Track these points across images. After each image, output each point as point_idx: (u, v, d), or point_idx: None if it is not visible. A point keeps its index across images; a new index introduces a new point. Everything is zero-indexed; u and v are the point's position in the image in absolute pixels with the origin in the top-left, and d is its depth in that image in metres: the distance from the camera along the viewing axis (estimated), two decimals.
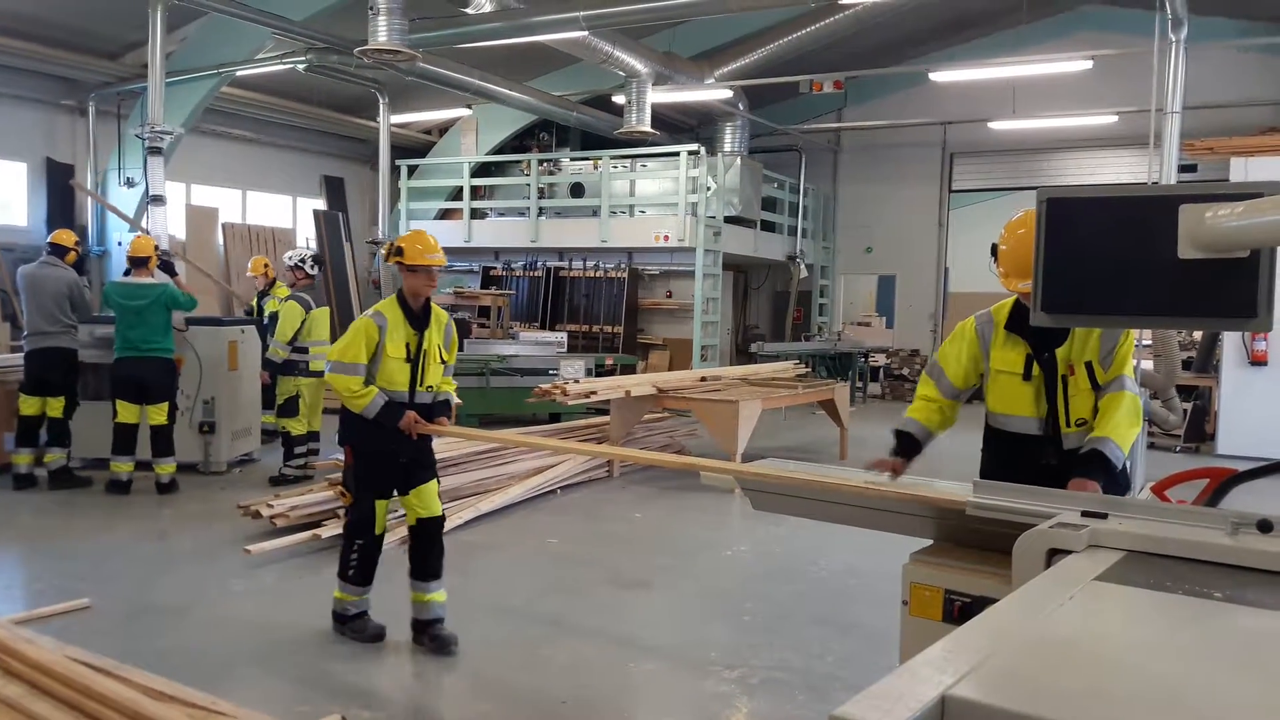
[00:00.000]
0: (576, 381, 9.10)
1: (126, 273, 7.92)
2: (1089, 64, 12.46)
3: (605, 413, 9.53)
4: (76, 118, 13.51)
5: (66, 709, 3.09)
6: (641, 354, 15.32)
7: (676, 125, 17.65)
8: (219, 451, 8.54)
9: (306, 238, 16.64)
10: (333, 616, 4.69)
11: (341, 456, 6.88)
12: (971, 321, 3.54)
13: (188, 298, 7.96)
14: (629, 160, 15.33)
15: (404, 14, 9.52)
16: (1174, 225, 2.24)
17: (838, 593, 5.63)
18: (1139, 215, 2.45)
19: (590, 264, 15.74)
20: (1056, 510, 2.37)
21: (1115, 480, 3.14)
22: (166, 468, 7.73)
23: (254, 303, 10.57)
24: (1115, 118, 14.52)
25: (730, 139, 16.18)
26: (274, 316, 8.71)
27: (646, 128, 12.93)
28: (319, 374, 8.44)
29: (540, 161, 16.08)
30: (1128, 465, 3.35)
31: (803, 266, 17.47)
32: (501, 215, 16.91)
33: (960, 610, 2.64)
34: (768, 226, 16.63)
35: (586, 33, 10.81)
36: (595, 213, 15.12)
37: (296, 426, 8.25)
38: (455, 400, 4.80)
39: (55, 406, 7.78)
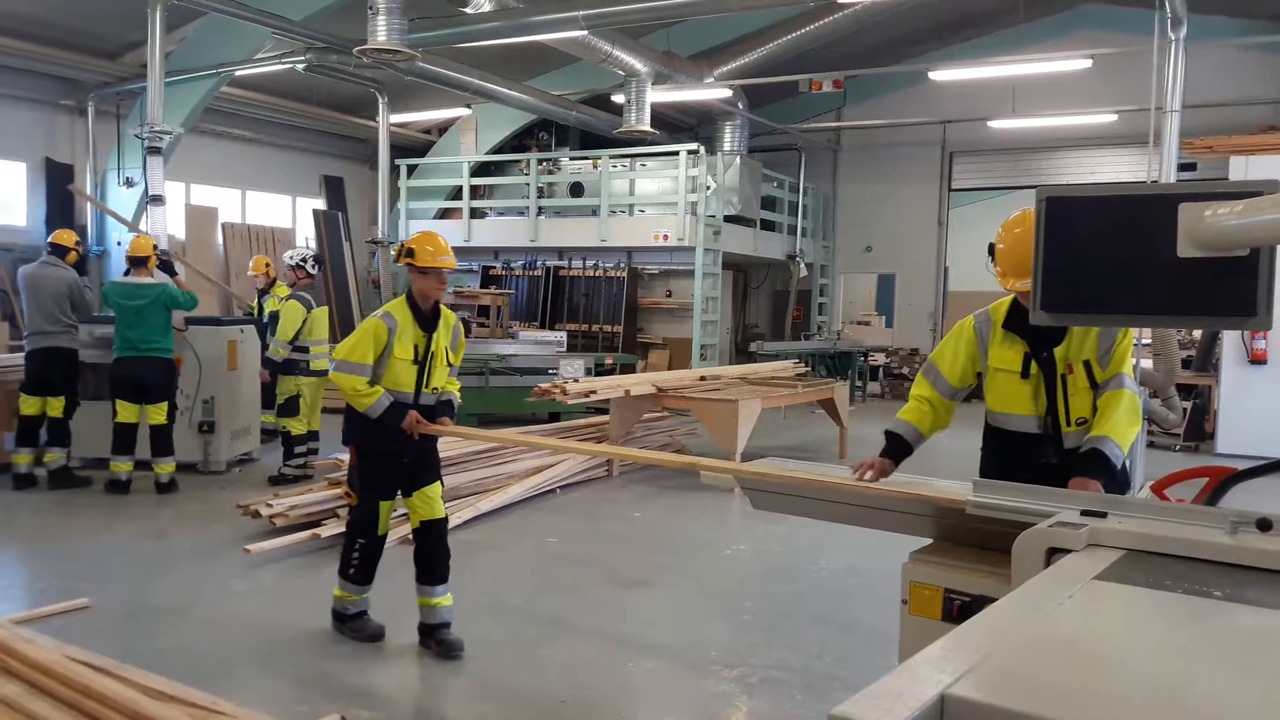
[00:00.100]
0: (576, 381, 9.09)
1: (126, 272, 7.92)
2: (1088, 63, 12.47)
3: (605, 412, 9.53)
4: (76, 117, 13.50)
5: (66, 708, 3.08)
6: (641, 353, 15.32)
7: (676, 124, 17.65)
8: (218, 451, 8.54)
9: (306, 237, 16.64)
10: (332, 615, 4.69)
11: (341, 456, 6.94)
12: (970, 320, 3.54)
13: (187, 297, 7.95)
14: (628, 159, 15.33)
15: (403, 13, 9.52)
16: (1173, 224, 2.24)
17: (837, 592, 5.63)
18: (1138, 214, 2.45)
19: (590, 263, 15.74)
20: (1056, 509, 2.37)
21: (1115, 479, 3.14)
22: (166, 467, 7.73)
23: (254, 302, 10.57)
24: (1115, 116, 14.53)
25: (730, 138, 16.18)
26: (274, 315, 8.71)
27: (646, 127, 12.93)
28: (319, 373, 8.44)
29: (540, 161, 16.08)
30: (1127, 464, 3.35)
31: (802, 265, 17.48)
32: (501, 215, 16.92)
33: (959, 609, 2.64)
34: (767, 226, 16.63)
35: (585, 32, 10.80)
36: (595, 212, 15.12)
37: (297, 426, 8.25)
38: (457, 400, 4.78)
39: (55, 406, 7.78)
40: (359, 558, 4.60)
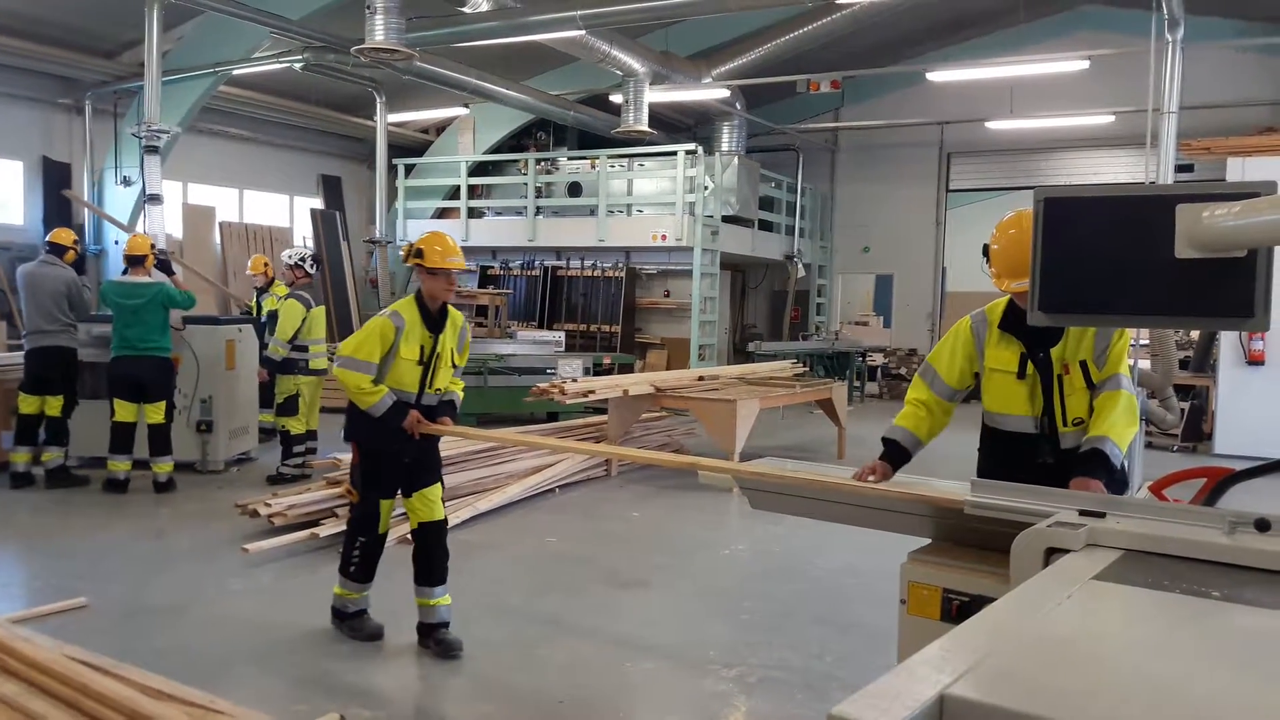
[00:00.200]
0: (574, 381, 9.09)
1: (125, 272, 7.91)
2: (1086, 64, 12.49)
3: (603, 412, 9.53)
4: (73, 116, 13.49)
5: (64, 707, 3.08)
6: (639, 353, 15.32)
7: (674, 125, 17.66)
8: (216, 450, 8.53)
9: (304, 237, 16.63)
10: (332, 612, 4.69)
11: (339, 456, 6.94)
12: (966, 321, 3.54)
13: (184, 296, 7.95)
14: (626, 159, 15.33)
15: (401, 13, 9.52)
16: (1171, 225, 2.24)
17: (836, 592, 5.63)
18: (1136, 215, 2.45)
19: (588, 263, 15.74)
20: (1054, 509, 2.38)
21: (1115, 479, 3.15)
22: (164, 466, 7.73)
23: (252, 301, 10.56)
24: (1112, 118, 14.55)
25: (727, 138, 16.18)
26: (272, 315, 8.70)
27: (644, 127, 12.93)
28: (318, 372, 8.44)
29: (538, 161, 16.08)
30: (1125, 464, 3.35)
31: (800, 266, 17.49)
32: (499, 214, 16.92)
33: (958, 609, 2.65)
34: (765, 226, 16.64)
35: (583, 32, 10.80)
36: (593, 212, 15.12)
37: (296, 425, 8.25)
38: (459, 399, 4.77)
39: (54, 405, 7.77)
40: (359, 555, 4.60)
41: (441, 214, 16.93)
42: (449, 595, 4.56)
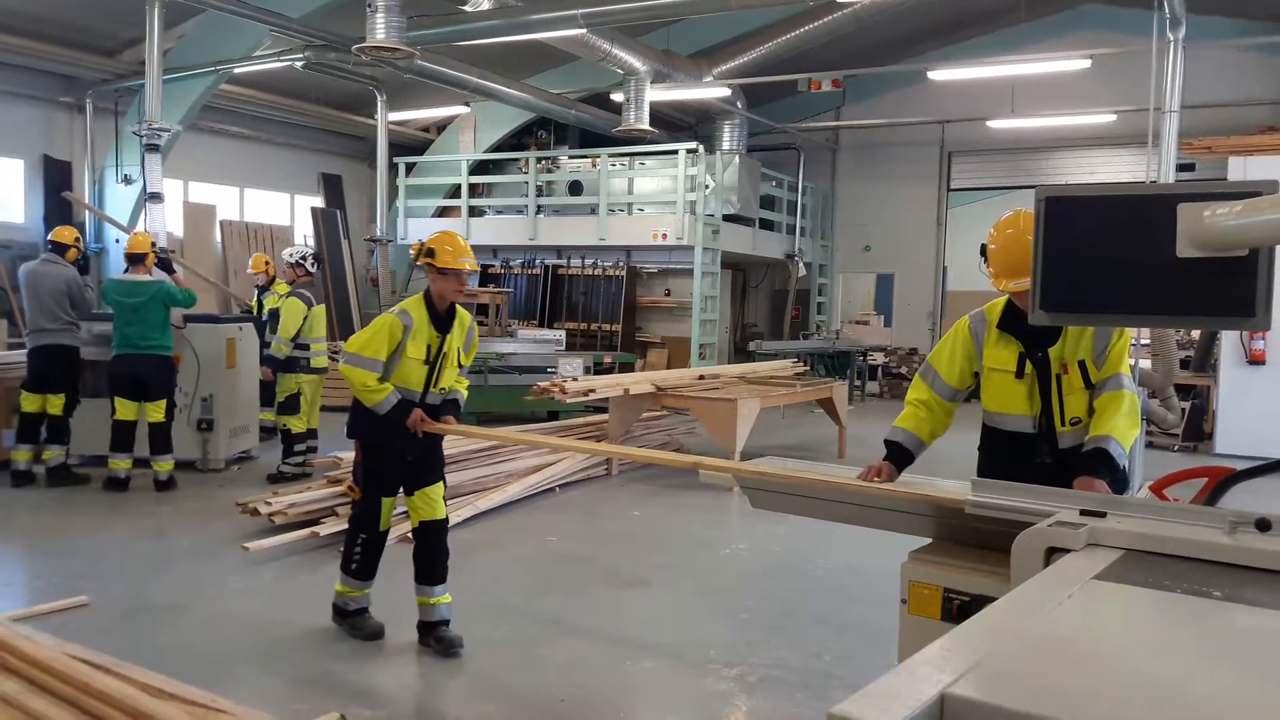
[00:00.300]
0: (575, 379, 9.10)
1: (126, 270, 7.92)
2: (1087, 63, 12.48)
3: (604, 411, 9.53)
4: (74, 115, 13.49)
5: (65, 705, 3.08)
6: (640, 352, 15.32)
7: (675, 123, 17.65)
8: (217, 449, 8.53)
9: (304, 235, 16.64)
10: (333, 610, 4.69)
11: (340, 454, 6.94)
12: (965, 320, 3.54)
13: (185, 294, 7.95)
14: (627, 158, 15.32)
15: (402, 11, 9.52)
16: (1172, 224, 2.24)
17: (836, 591, 5.63)
18: (1137, 214, 2.45)
19: (589, 262, 15.74)
20: (1055, 509, 2.38)
21: (1118, 479, 3.14)
22: (165, 465, 7.73)
23: (253, 300, 10.56)
24: (1114, 117, 14.54)
25: (728, 137, 16.17)
26: (274, 313, 8.70)
27: (645, 126, 12.92)
28: (320, 371, 8.44)
29: (538, 159, 16.08)
30: (1126, 464, 3.35)
31: (801, 265, 17.48)
32: (500, 213, 16.91)
33: (959, 609, 2.65)
34: (766, 225, 16.64)
35: (585, 30, 10.80)
36: (594, 211, 15.11)
37: (297, 424, 8.25)
38: (463, 399, 4.77)
39: (55, 404, 7.78)
40: (360, 553, 4.59)
41: (442, 212, 16.93)
42: (449, 594, 4.56)
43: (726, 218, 14.98)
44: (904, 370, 17.13)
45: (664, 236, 14.28)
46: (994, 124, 15.55)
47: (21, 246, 12.76)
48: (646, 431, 9.92)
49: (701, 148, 14.47)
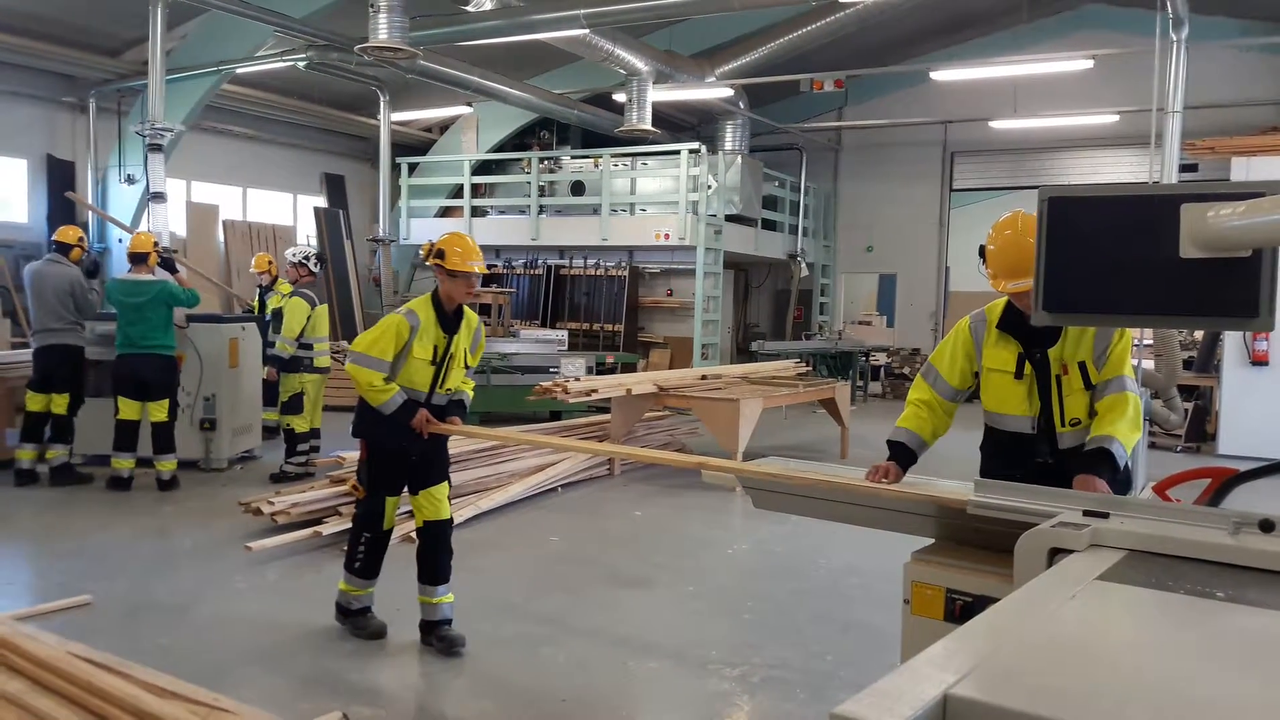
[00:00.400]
0: (577, 380, 9.10)
1: (130, 270, 7.93)
2: (1090, 63, 12.47)
3: (606, 411, 9.53)
4: (77, 114, 13.51)
5: (69, 705, 3.09)
6: (642, 352, 15.33)
7: (677, 124, 17.65)
8: (220, 448, 8.54)
9: (307, 235, 16.66)
10: (336, 608, 4.69)
11: (342, 454, 6.95)
12: (966, 321, 3.55)
13: (188, 294, 7.95)
14: (630, 158, 15.33)
15: (404, 11, 9.53)
16: (1175, 225, 2.24)
17: (839, 591, 5.63)
18: (1140, 215, 2.45)
19: (591, 262, 15.74)
20: (1058, 509, 2.38)
21: (1117, 479, 3.14)
22: (167, 464, 7.74)
23: (255, 300, 10.57)
24: (1116, 117, 14.53)
25: (731, 137, 16.18)
26: (277, 313, 8.71)
27: (647, 126, 12.93)
28: (323, 370, 8.45)
29: (541, 159, 16.08)
30: (1129, 465, 3.35)
31: (803, 265, 17.48)
32: (502, 213, 16.92)
33: (961, 609, 2.65)
34: (768, 225, 16.64)
35: (587, 30, 10.81)
36: (596, 211, 15.12)
37: (300, 424, 8.26)
38: (469, 399, 4.77)
39: (59, 403, 7.79)
40: (364, 552, 4.60)
41: (445, 213, 16.95)
42: (451, 594, 4.56)
43: (729, 218, 14.98)
44: (906, 371, 17.13)
45: (666, 237, 14.28)
46: (996, 124, 15.55)
47: (24, 246, 12.79)
48: (649, 432, 9.92)
49: (704, 148, 14.47)
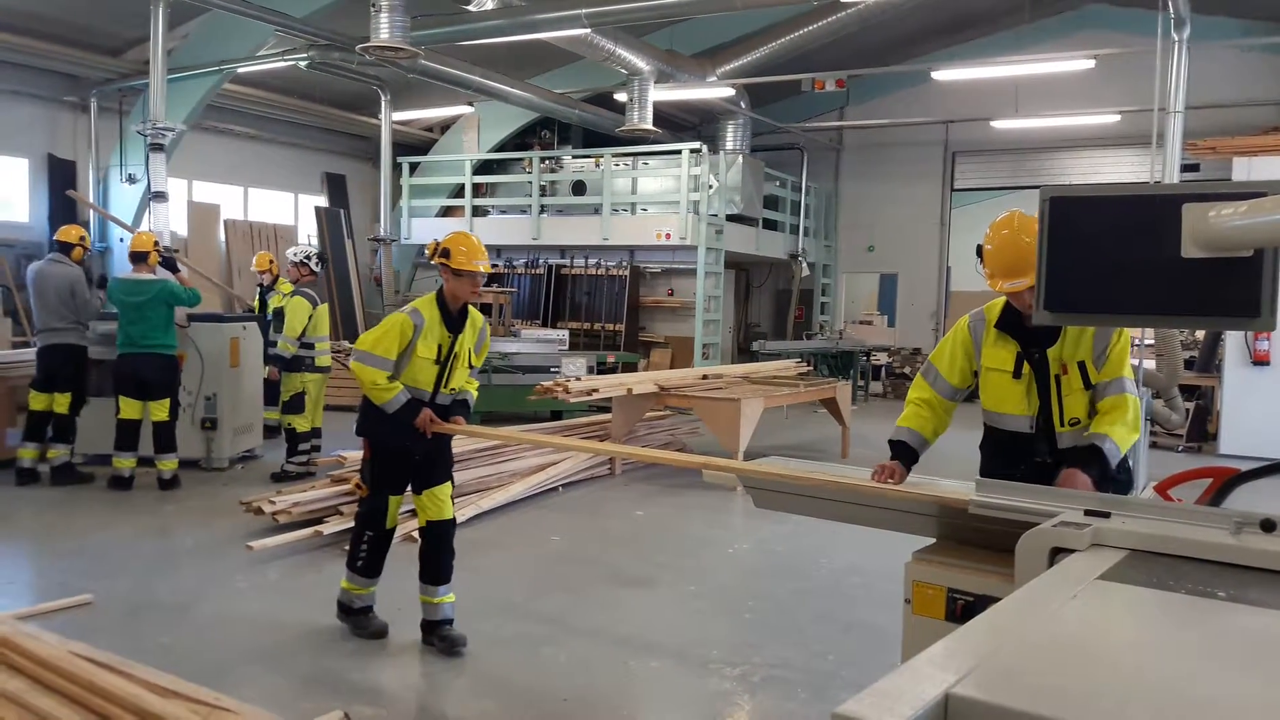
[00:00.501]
0: (578, 379, 9.10)
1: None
2: (1091, 63, 12.47)
3: (607, 411, 9.53)
4: (79, 114, 13.52)
5: (70, 704, 3.09)
6: (643, 352, 15.33)
7: (678, 123, 17.65)
8: (221, 448, 8.55)
9: (308, 234, 16.66)
10: (338, 606, 4.69)
11: (343, 453, 6.95)
12: (965, 320, 3.55)
13: (189, 293, 7.95)
14: (631, 158, 15.33)
15: (406, 11, 9.53)
16: (1177, 224, 2.24)
17: (840, 591, 5.63)
18: (1142, 214, 2.45)
19: (592, 262, 15.74)
20: (1060, 509, 2.38)
21: (1108, 479, 3.14)
22: (168, 464, 7.74)
23: (255, 300, 10.57)
24: (1118, 117, 14.52)
25: (732, 137, 16.18)
26: (278, 312, 8.71)
27: (648, 126, 12.93)
28: (324, 369, 8.45)
29: (542, 159, 16.09)
30: (1130, 464, 3.35)
31: (804, 265, 17.48)
32: (503, 213, 16.92)
33: (963, 609, 2.65)
34: (769, 225, 16.63)
35: (588, 30, 10.80)
36: (597, 210, 15.12)
37: (302, 423, 8.26)
38: (473, 399, 4.77)
39: (61, 402, 7.79)
40: (367, 550, 4.59)
41: (446, 212, 16.95)
42: (453, 594, 4.56)
43: (730, 218, 14.97)
44: (907, 370, 17.13)
45: (667, 236, 14.28)
46: (998, 124, 15.54)
47: (26, 246, 12.80)
48: (650, 431, 9.92)
49: (705, 148, 14.46)
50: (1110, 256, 2.48)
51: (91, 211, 13.17)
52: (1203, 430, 11.59)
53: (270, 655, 4.42)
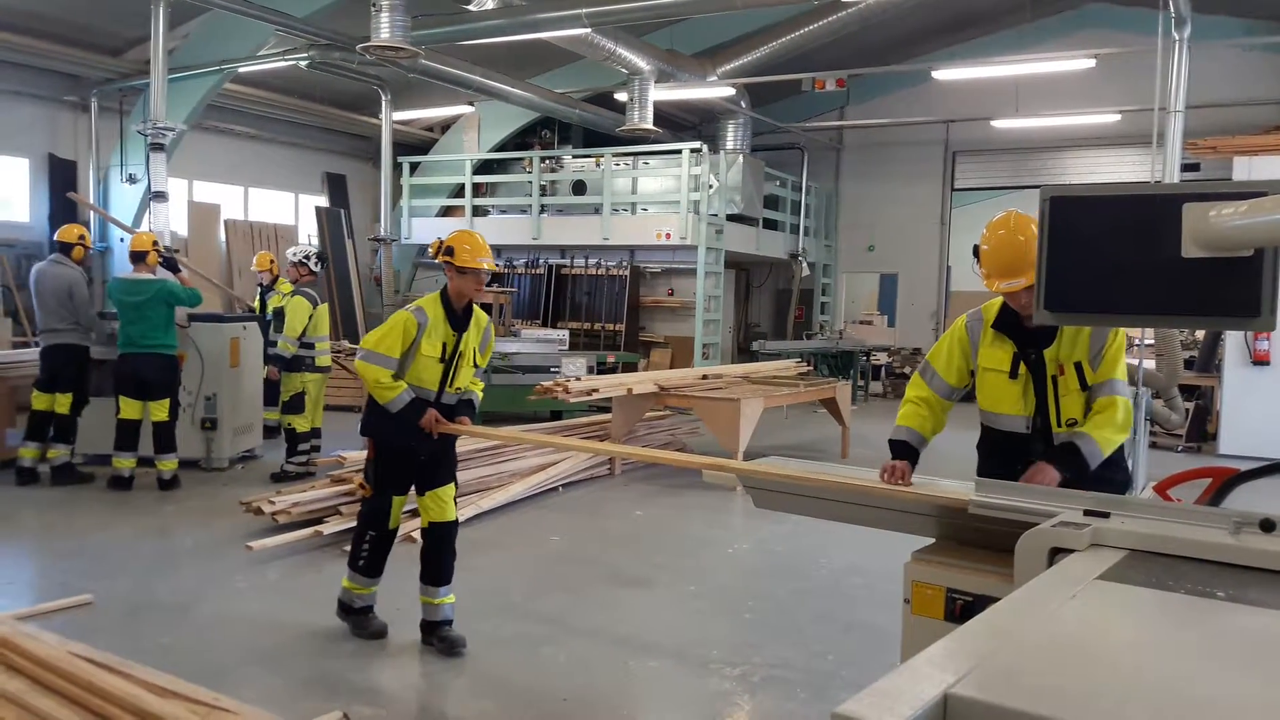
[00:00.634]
0: (578, 379, 9.10)
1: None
2: (1092, 62, 12.45)
3: (607, 411, 9.53)
4: (79, 114, 13.52)
5: (69, 704, 3.09)
6: (643, 352, 15.33)
7: (678, 123, 17.65)
8: (221, 448, 8.54)
9: (308, 234, 16.66)
10: (338, 604, 4.69)
11: (343, 454, 6.95)
12: (962, 319, 3.56)
13: (189, 293, 7.94)
14: (631, 158, 15.32)
15: (406, 11, 9.53)
16: (1177, 224, 2.24)
17: (839, 591, 5.63)
18: (1142, 214, 2.45)
19: (592, 261, 15.75)
20: (1059, 509, 2.38)
21: (1084, 477, 3.12)
22: (168, 464, 7.74)
23: (255, 300, 10.57)
24: (1118, 116, 14.52)
25: (732, 137, 16.17)
26: (278, 312, 8.71)
27: (649, 125, 12.93)
28: (325, 369, 8.44)
29: (542, 159, 16.08)
30: (1129, 464, 3.35)
31: (805, 265, 17.47)
32: (504, 213, 16.92)
33: (962, 609, 2.65)
34: (770, 224, 16.63)
35: (589, 30, 10.80)
36: (597, 210, 15.12)
37: (302, 423, 8.26)
38: (478, 400, 4.77)
39: (63, 403, 7.80)
40: (369, 550, 4.59)
41: (446, 212, 16.95)
42: (453, 595, 4.56)
43: (730, 217, 14.97)
44: (907, 370, 17.10)
45: (667, 236, 14.27)
46: (998, 124, 15.53)
47: (26, 246, 12.81)
48: (650, 431, 9.92)
49: (705, 147, 14.46)
50: (1110, 256, 2.47)
51: (92, 212, 13.18)
52: (1202, 430, 11.58)
53: (270, 655, 4.42)
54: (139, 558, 5.97)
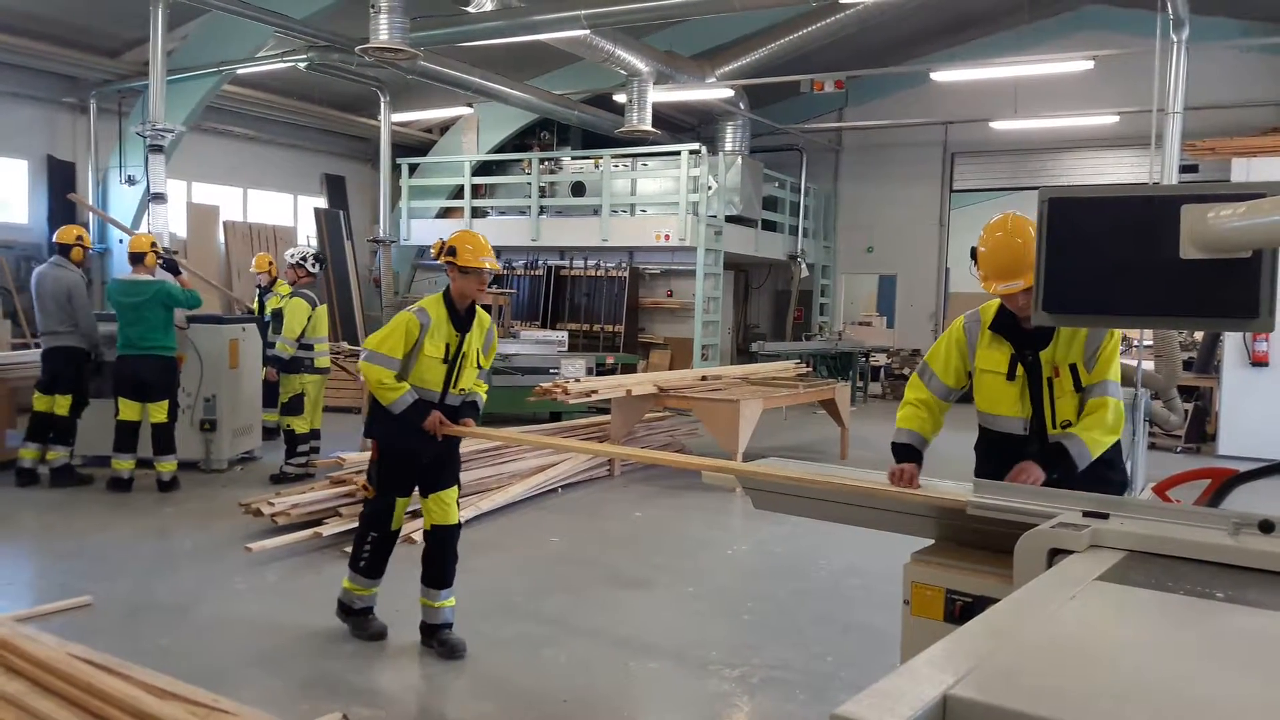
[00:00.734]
0: (577, 380, 9.10)
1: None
2: (1090, 64, 12.47)
3: (606, 412, 9.53)
4: (78, 115, 13.51)
5: (69, 706, 3.09)
6: (642, 353, 15.32)
7: (677, 124, 17.65)
8: (220, 449, 8.54)
9: (307, 236, 16.65)
10: (338, 605, 4.69)
11: (342, 455, 6.94)
12: (960, 321, 3.57)
13: (187, 294, 7.94)
14: (630, 159, 15.33)
15: (405, 12, 9.53)
16: (1176, 225, 2.25)
17: (839, 592, 5.63)
18: (1141, 215, 2.45)
19: (591, 263, 15.75)
20: (1058, 510, 2.38)
21: (1071, 477, 3.13)
22: (167, 465, 7.74)
23: (254, 301, 10.57)
24: (1116, 118, 14.52)
25: (731, 138, 16.18)
26: (277, 314, 8.71)
27: (647, 127, 12.93)
28: (323, 371, 8.44)
29: (541, 160, 16.08)
30: (1128, 465, 3.35)
31: (804, 266, 17.47)
32: (502, 214, 16.92)
33: (961, 610, 2.65)
34: (769, 226, 16.63)
35: (588, 31, 10.81)
36: (596, 212, 15.12)
37: (301, 424, 8.26)
38: (482, 401, 4.76)
39: (62, 404, 7.79)
40: (370, 551, 4.59)
41: (445, 213, 16.95)
42: (454, 597, 4.56)
43: (729, 219, 14.97)
44: (906, 372, 17.09)
45: (666, 238, 14.28)
46: (997, 125, 15.54)
47: (25, 247, 12.80)
48: (649, 432, 9.92)
49: (704, 149, 14.46)
50: (1109, 257, 2.48)
51: (91, 213, 13.17)
52: (1201, 431, 11.59)
53: (269, 657, 4.42)
54: (138, 559, 5.96)
